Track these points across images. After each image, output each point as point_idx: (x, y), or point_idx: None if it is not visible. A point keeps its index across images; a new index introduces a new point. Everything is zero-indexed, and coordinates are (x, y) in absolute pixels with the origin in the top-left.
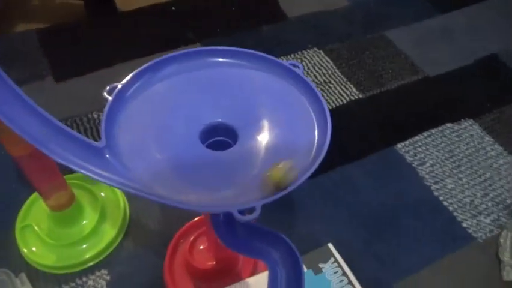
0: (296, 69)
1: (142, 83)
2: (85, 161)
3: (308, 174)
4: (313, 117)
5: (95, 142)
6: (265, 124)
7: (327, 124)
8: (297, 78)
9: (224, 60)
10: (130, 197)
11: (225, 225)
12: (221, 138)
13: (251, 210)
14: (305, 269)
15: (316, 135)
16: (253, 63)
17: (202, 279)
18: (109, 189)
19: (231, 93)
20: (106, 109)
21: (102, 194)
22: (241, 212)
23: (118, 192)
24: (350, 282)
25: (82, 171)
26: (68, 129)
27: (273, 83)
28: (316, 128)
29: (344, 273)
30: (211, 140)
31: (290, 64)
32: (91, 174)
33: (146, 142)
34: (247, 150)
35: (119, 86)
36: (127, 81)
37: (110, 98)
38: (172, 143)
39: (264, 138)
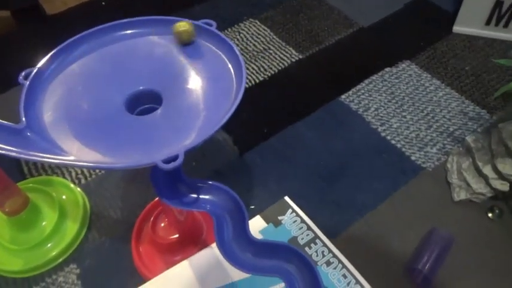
0: (210, 27)
1: (58, 64)
2: (3, 143)
3: (231, 112)
4: (228, 63)
5: (14, 124)
6: (186, 82)
7: (241, 65)
8: (211, 35)
9: (134, 31)
10: (89, 192)
11: (166, 186)
12: (149, 105)
13: (175, 158)
14: (265, 224)
15: (234, 79)
16: (165, 28)
17: (170, 253)
18: (66, 188)
19: (148, 61)
20: (23, 92)
21: (60, 194)
22: (168, 163)
23: (76, 189)
24: (309, 228)
25: (2, 152)
26: None
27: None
28: (233, 72)
29: (303, 221)
30: (139, 109)
31: (203, 23)
32: (13, 154)
33: (71, 118)
34: (173, 109)
35: (35, 69)
36: (42, 65)
37: (26, 82)
38: (97, 115)
39: (187, 94)
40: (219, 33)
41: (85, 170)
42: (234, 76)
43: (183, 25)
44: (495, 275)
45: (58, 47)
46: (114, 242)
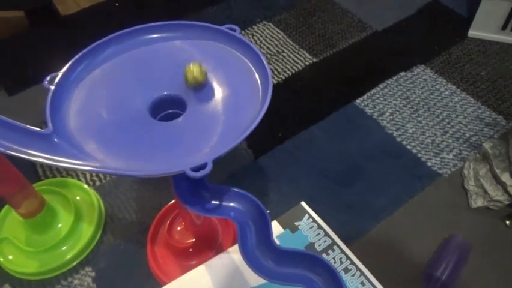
0: (233, 32)
1: (83, 68)
2: (32, 149)
3: (259, 119)
4: (253, 69)
5: (41, 129)
6: (211, 88)
7: (267, 72)
8: (234, 40)
9: (158, 35)
10: (104, 194)
11: (190, 193)
12: (172, 111)
13: (203, 166)
14: (282, 230)
15: (259, 85)
16: (189, 33)
17: (186, 257)
18: (81, 190)
19: (172, 65)
20: (49, 97)
21: (75, 196)
22: (196, 170)
23: (91, 191)
24: (326, 234)
25: (29, 157)
26: (9, 120)
27: (212, 48)
28: (258, 78)
29: (320, 227)
30: (163, 114)
31: (227, 28)
32: (41, 160)
33: (95, 123)
34: (197, 115)
35: (60, 74)
36: (67, 69)
37: (52, 87)
38: (122, 120)
39: (211, 101)
40: (244, 38)
41: None
42: (259, 83)
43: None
44: None
45: (83, 51)
46: (129, 245)
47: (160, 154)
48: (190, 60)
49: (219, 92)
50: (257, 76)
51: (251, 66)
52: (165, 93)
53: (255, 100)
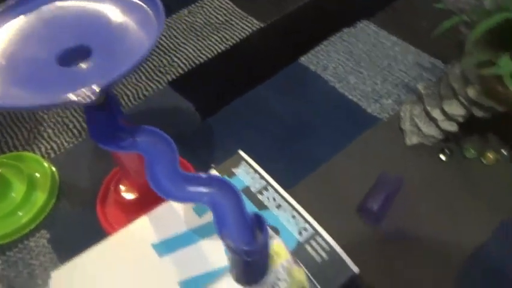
0: None
1: None
2: None
3: (145, 51)
4: (151, 13)
5: None
6: (112, 33)
7: (160, 11)
8: None
9: None
10: (58, 165)
11: (102, 132)
12: (83, 59)
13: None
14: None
15: (156, 24)
16: None
17: (134, 212)
18: (36, 162)
19: (79, 19)
20: None
21: (30, 167)
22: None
23: (45, 162)
24: (261, 177)
25: None
26: None
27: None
28: (155, 20)
29: (256, 171)
30: (75, 63)
31: None
32: None
33: (5, 70)
34: (100, 58)
35: None
36: None
37: None
38: (28, 70)
39: (113, 44)
40: None
41: (54, 145)
42: (156, 22)
43: None
44: (446, 213)
45: None
46: (82, 208)
47: (60, 92)
48: (96, 12)
49: (119, 35)
50: (155, 18)
51: (150, 11)
52: (71, 44)
53: (150, 38)
